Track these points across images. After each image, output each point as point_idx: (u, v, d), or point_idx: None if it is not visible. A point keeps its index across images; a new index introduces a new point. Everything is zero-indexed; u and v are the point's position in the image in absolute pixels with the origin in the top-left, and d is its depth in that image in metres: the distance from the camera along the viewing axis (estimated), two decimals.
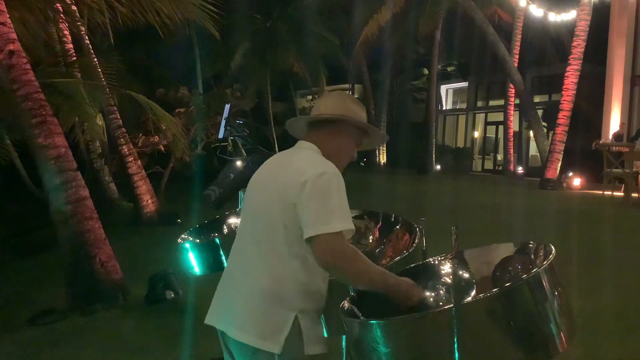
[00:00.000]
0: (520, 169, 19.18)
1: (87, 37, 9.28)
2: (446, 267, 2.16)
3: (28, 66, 5.39)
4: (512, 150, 19.10)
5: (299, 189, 1.73)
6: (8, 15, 5.36)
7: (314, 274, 1.81)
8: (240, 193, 2.96)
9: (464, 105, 25.06)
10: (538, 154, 17.11)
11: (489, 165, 23.37)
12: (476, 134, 24.10)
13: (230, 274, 1.92)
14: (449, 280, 2.10)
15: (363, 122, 2.00)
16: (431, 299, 2.11)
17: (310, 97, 25.91)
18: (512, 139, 19.11)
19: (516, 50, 17.45)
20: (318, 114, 1.96)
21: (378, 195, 11.94)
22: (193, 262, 3.11)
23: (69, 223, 5.29)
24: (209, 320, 1.92)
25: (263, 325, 1.76)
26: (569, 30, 14.48)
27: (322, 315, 1.89)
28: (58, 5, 7.39)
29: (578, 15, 13.35)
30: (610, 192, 10.60)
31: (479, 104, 24.00)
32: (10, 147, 9.62)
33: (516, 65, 16.87)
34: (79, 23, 8.66)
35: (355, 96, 26.21)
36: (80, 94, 8.02)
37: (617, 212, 9.31)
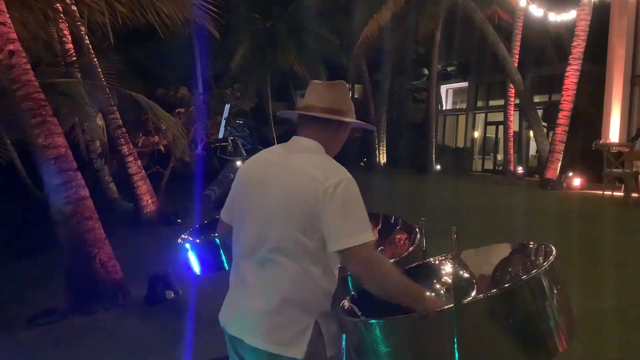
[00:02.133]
0: (520, 169, 19.18)
1: (87, 37, 9.27)
2: (446, 267, 2.16)
3: (28, 66, 5.39)
4: (512, 150, 19.10)
5: (318, 199, 1.70)
6: (8, 15, 5.35)
7: (333, 278, 1.82)
8: None
9: (464, 105, 25.05)
10: (538, 154, 17.11)
11: (489, 165, 23.36)
12: (476, 134, 24.09)
13: (242, 279, 1.86)
14: (449, 280, 2.10)
15: (360, 122, 2.02)
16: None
17: None
18: (512, 139, 19.11)
19: (516, 50, 17.44)
20: (323, 107, 1.89)
21: (378, 195, 11.92)
22: (193, 262, 3.11)
23: (69, 223, 5.29)
24: (223, 323, 1.90)
25: (284, 332, 1.74)
26: (569, 30, 14.47)
27: None
28: (58, 5, 7.38)
29: (578, 15, 13.34)
30: (610, 192, 10.59)
31: (479, 104, 23.99)
32: (10, 147, 9.62)
33: (516, 65, 16.86)
34: (79, 23, 8.65)
35: (355, 96, 26.33)
36: (80, 94, 8.01)
37: (617, 212, 9.31)
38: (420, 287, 1.78)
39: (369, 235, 1.71)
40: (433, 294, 1.83)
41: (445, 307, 1.64)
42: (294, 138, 1.92)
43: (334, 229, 1.70)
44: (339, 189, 1.71)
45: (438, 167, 20.62)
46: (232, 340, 1.87)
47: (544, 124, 16.96)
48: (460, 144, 24.68)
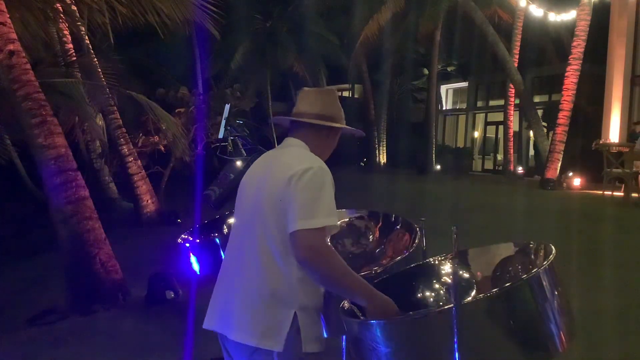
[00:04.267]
0: (520, 169, 19.18)
1: (87, 37, 9.27)
2: (446, 267, 2.17)
3: (28, 66, 5.39)
4: (512, 150, 19.11)
5: (285, 185, 1.74)
6: (8, 15, 5.35)
7: None
8: None
9: (464, 105, 25.05)
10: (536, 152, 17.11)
11: (489, 165, 23.36)
12: (476, 134, 24.10)
13: (226, 276, 1.91)
14: (449, 280, 2.10)
15: (350, 128, 2.05)
16: (431, 299, 2.12)
17: None
18: (512, 139, 19.12)
19: (516, 50, 17.43)
20: (313, 113, 1.95)
21: (378, 195, 11.93)
22: (193, 262, 3.12)
23: (69, 223, 5.29)
24: (208, 324, 1.92)
25: (263, 324, 1.75)
26: (569, 30, 14.47)
27: (322, 315, 1.90)
28: (58, 5, 7.38)
29: (578, 15, 13.34)
30: (610, 192, 10.59)
31: (479, 104, 23.99)
32: (10, 147, 9.61)
33: (516, 65, 16.86)
34: (79, 23, 8.66)
35: (355, 96, 26.27)
36: (80, 94, 8.01)
37: (617, 212, 9.31)
38: (369, 285, 1.75)
39: (323, 220, 1.69)
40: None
41: (445, 307, 1.64)
42: (285, 139, 2.00)
43: (291, 212, 1.71)
44: (307, 174, 1.74)
45: (438, 167, 20.61)
46: (220, 337, 1.90)
47: (544, 124, 16.96)
48: (460, 144, 24.68)
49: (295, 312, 1.76)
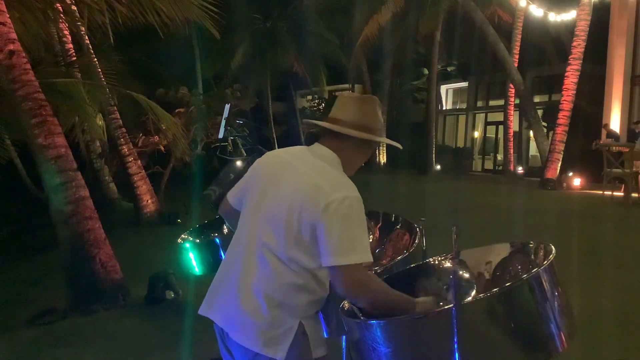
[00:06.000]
0: (520, 169, 19.18)
1: (87, 37, 9.27)
2: (446, 267, 2.16)
3: (28, 66, 5.39)
4: (512, 150, 19.10)
5: (319, 211, 1.69)
6: (8, 15, 5.35)
7: (324, 285, 1.82)
8: None
9: (464, 105, 25.05)
10: (538, 154, 17.13)
11: (489, 165, 23.36)
12: (476, 134, 24.09)
13: (231, 274, 1.86)
14: (449, 280, 2.10)
15: (388, 141, 2.02)
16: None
17: (310, 97, 25.87)
18: (512, 139, 19.11)
19: (516, 50, 17.44)
20: (348, 121, 1.85)
21: (378, 195, 11.92)
22: (193, 262, 3.12)
23: (69, 223, 5.29)
24: (206, 312, 1.90)
25: (268, 332, 1.74)
26: (569, 30, 14.49)
27: (321, 315, 1.90)
28: (58, 5, 7.38)
29: (578, 15, 13.35)
30: (610, 192, 10.59)
31: (479, 104, 23.98)
32: (10, 147, 9.62)
33: (516, 65, 16.86)
34: (79, 23, 8.66)
35: None
36: (80, 94, 8.01)
37: (617, 212, 9.32)
38: (410, 299, 1.77)
39: (363, 256, 1.70)
40: (422, 297, 1.83)
41: (445, 307, 1.64)
42: (316, 145, 1.90)
43: (330, 244, 1.69)
44: (344, 204, 1.69)
45: (438, 167, 20.61)
46: (218, 330, 1.88)
47: (544, 124, 16.98)
48: (460, 144, 24.67)
49: (300, 321, 1.76)
